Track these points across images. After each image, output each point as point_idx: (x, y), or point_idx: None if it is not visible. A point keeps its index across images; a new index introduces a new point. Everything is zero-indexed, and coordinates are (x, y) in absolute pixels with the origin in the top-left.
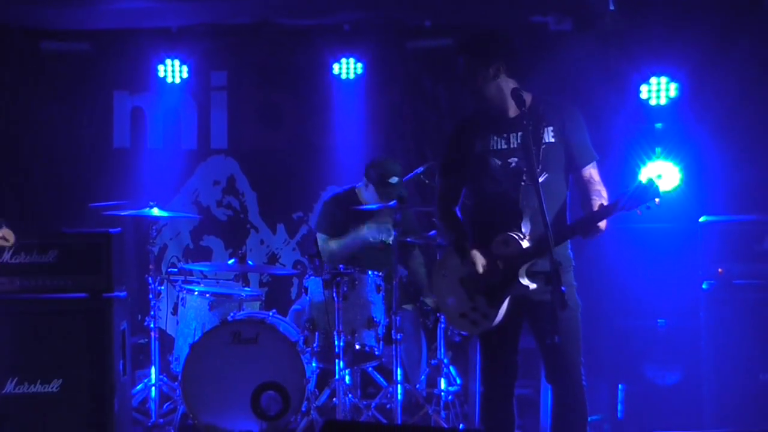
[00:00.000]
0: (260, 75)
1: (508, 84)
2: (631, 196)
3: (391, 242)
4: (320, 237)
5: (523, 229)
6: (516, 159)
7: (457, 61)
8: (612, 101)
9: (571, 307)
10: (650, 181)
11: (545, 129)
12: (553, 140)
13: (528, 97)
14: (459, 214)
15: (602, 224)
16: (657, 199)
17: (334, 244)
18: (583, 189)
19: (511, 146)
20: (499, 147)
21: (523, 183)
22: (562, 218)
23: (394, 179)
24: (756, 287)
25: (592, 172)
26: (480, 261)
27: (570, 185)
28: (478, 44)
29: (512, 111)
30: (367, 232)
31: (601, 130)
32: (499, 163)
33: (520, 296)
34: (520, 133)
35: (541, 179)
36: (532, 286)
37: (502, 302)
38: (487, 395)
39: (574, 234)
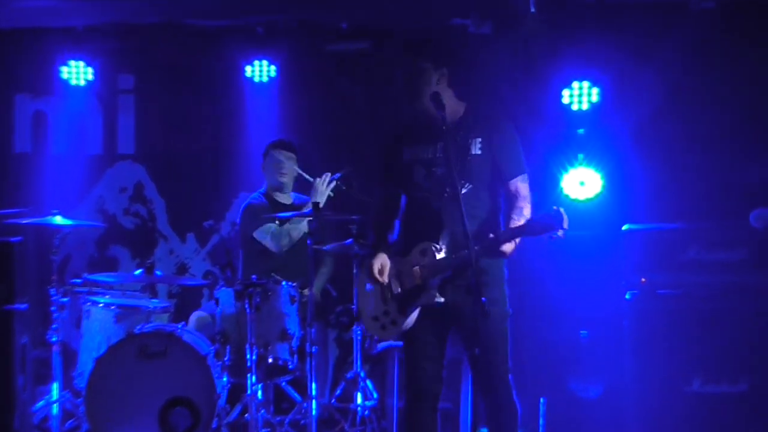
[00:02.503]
0: (169, 77)
1: (446, 92)
2: (537, 224)
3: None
4: (268, 228)
5: (441, 240)
6: (440, 168)
7: (401, 61)
8: (533, 106)
9: (496, 317)
10: (557, 212)
11: (473, 140)
12: (479, 152)
13: (461, 107)
14: (397, 225)
15: (507, 247)
16: (561, 231)
17: (288, 226)
18: (509, 203)
19: (438, 155)
20: (425, 155)
21: (446, 194)
22: (487, 230)
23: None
24: (679, 297)
25: (519, 186)
26: (378, 266)
27: (500, 197)
28: (430, 48)
29: (456, 115)
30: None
31: (522, 135)
32: (424, 171)
33: (448, 306)
34: (447, 143)
35: (464, 190)
36: (439, 299)
37: (412, 310)
38: (408, 407)
39: (481, 250)
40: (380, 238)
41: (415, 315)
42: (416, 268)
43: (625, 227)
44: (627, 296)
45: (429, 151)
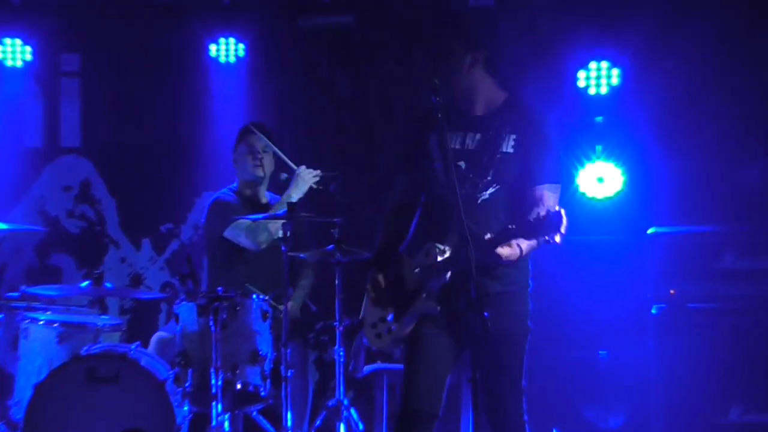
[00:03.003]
0: (121, 58)
1: (484, 80)
2: (527, 225)
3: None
4: (241, 224)
5: (447, 242)
6: (464, 163)
7: (429, 36)
8: (544, 90)
9: (516, 337)
10: (556, 213)
11: (507, 136)
12: (511, 151)
13: (500, 97)
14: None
15: (503, 251)
16: (558, 236)
17: (264, 222)
18: (528, 211)
19: (466, 148)
20: (451, 146)
21: (463, 191)
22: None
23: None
24: (714, 312)
25: (545, 194)
26: (381, 275)
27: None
28: (462, 24)
29: (480, 109)
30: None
31: None
32: (445, 163)
33: (462, 324)
34: (478, 135)
35: (489, 191)
36: (433, 307)
37: (407, 318)
38: (399, 427)
39: (479, 255)
40: (389, 239)
41: (411, 324)
42: (416, 270)
43: (650, 231)
44: (653, 310)
45: (456, 140)
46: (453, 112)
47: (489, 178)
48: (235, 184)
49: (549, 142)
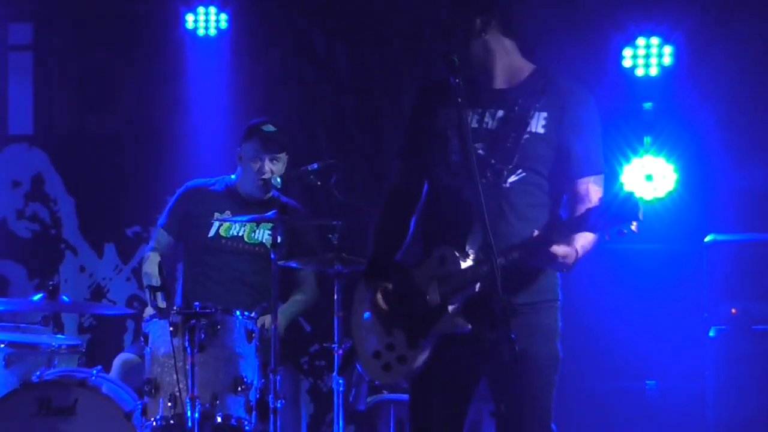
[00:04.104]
0: (81, 30)
1: (501, 44)
2: (601, 213)
3: (269, 245)
4: (161, 234)
5: (468, 244)
6: (483, 145)
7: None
8: (584, 70)
9: (541, 362)
10: (629, 196)
11: (536, 114)
12: (542, 131)
13: (527, 68)
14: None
15: (559, 250)
16: (635, 223)
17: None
18: (573, 208)
19: (485, 126)
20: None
21: (484, 180)
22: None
23: (269, 127)
24: None
25: (591, 188)
26: (381, 291)
27: (563, 195)
28: None
29: (501, 82)
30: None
31: None
32: (460, 146)
33: (477, 346)
34: (500, 112)
35: (513, 178)
36: (463, 325)
37: (426, 342)
38: None
39: (521, 256)
40: (385, 245)
41: (430, 348)
42: (433, 282)
43: (707, 238)
44: (711, 333)
45: (473, 119)
46: (467, 85)
47: (514, 163)
48: (236, 177)
49: (590, 120)
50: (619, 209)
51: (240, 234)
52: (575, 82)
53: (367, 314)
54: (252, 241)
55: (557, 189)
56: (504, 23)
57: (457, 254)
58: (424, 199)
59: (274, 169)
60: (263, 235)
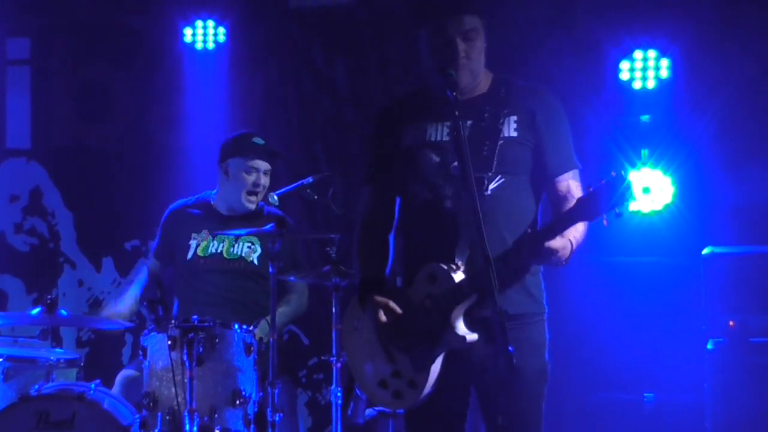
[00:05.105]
0: (79, 44)
1: (479, 56)
2: (595, 198)
3: (255, 263)
4: (153, 265)
5: (457, 256)
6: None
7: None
8: (581, 83)
9: (532, 373)
10: (619, 177)
11: (506, 119)
12: (515, 135)
13: (487, 77)
14: (392, 237)
15: (556, 243)
16: (630, 204)
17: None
18: (556, 206)
19: (454, 137)
20: (438, 138)
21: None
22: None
23: (258, 140)
24: None
25: (571, 184)
26: (383, 306)
27: (542, 195)
28: None
29: (467, 92)
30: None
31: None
32: (437, 160)
33: (463, 358)
34: (469, 123)
35: (493, 185)
36: (472, 336)
37: (433, 362)
38: None
39: (519, 257)
40: (373, 263)
41: (438, 369)
42: (426, 300)
43: (705, 251)
44: (709, 346)
45: (443, 132)
46: (433, 97)
47: (492, 170)
48: (214, 193)
49: (558, 118)
50: (611, 192)
51: (219, 251)
52: (535, 83)
53: (364, 336)
54: (231, 257)
55: (537, 189)
56: (487, 28)
57: (445, 268)
58: (397, 217)
59: (266, 182)
60: (242, 248)
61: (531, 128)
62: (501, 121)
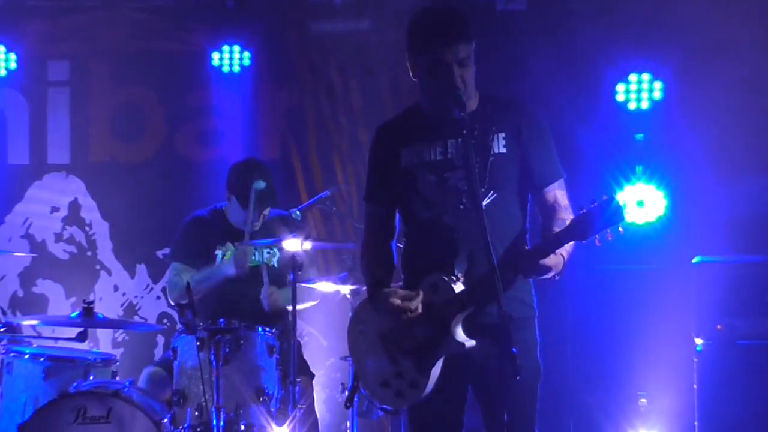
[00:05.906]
0: (114, 66)
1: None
2: (589, 219)
3: (276, 266)
4: (174, 267)
5: (457, 267)
6: (453, 174)
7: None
8: (579, 105)
9: (526, 374)
10: (611, 199)
11: (495, 136)
12: (504, 151)
13: (476, 95)
14: (394, 249)
15: (550, 260)
16: (620, 227)
17: (188, 276)
18: (545, 216)
19: (449, 157)
20: (432, 157)
21: (462, 206)
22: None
23: (260, 183)
24: (766, 349)
25: (557, 194)
26: (396, 304)
27: (530, 207)
28: (469, 20)
29: (468, 106)
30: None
31: (564, 141)
32: (433, 179)
33: (461, 358)
34: (460, 140)
35: (486, 201)
36: (470, 343)
37: (433, 365)
38: None
39: (516, 272)
40: (381, 273)
41: (438, 371)
42: (430, 308)
43: (695, 260)
44: (698, 348)
45: (436, 151)
46: (427, 119)
47: (485, 186)
48: (216, 207)
49: (542, 131)
50: (604, 215)
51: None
52: (517, 97)
53: (368, 339)
54: (254, 264)
55: (524, 200)
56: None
57: (447, 279)
58: (399, 228)
59: (267, 212)
60: (263, 255)
61: (518, 143)
62: (491, 137)
